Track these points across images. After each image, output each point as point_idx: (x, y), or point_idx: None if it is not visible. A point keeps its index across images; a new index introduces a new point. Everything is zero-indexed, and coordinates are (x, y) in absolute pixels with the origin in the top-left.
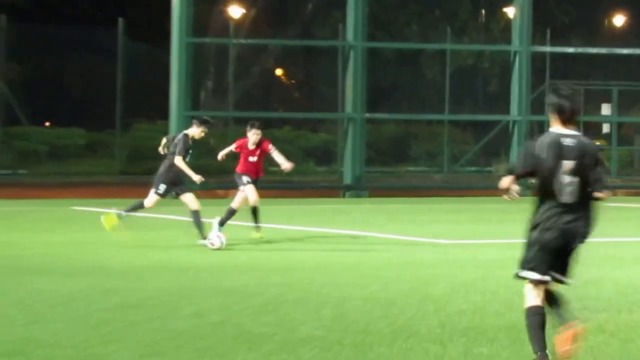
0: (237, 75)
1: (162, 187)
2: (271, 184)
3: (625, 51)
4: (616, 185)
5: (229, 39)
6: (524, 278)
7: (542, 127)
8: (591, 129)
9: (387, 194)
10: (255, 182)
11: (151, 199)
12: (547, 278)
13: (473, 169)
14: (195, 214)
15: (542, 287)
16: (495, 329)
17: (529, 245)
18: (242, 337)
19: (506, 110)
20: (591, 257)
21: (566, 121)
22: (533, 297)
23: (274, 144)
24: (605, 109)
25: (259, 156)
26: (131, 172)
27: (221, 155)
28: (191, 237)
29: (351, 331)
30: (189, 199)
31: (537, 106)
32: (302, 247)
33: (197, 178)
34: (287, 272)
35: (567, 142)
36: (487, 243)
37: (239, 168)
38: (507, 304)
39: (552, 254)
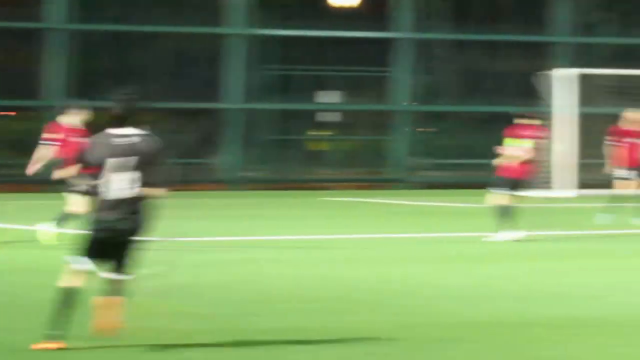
0: None
1: None
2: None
3: (349, 34)
4: (340, 178)
5: None
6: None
7: (255, 115)
8: (307, 117)
9: None
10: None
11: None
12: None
13: (194, 160)
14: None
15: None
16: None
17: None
18: None
19: (221, 98)
20: (307, 258)
21: (120, 122)
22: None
23: None
24: (328, 96)
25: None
26: None
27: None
28: None
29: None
30: None
31: (258, 94)
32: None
33: None
34: None
35: (119, 141)
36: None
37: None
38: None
39: (105, 247)
